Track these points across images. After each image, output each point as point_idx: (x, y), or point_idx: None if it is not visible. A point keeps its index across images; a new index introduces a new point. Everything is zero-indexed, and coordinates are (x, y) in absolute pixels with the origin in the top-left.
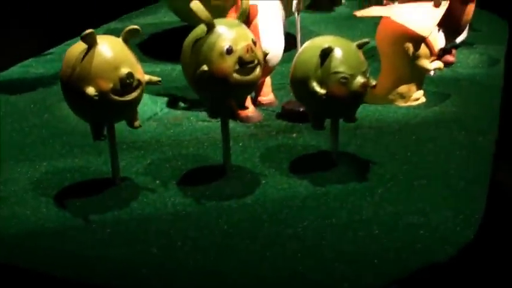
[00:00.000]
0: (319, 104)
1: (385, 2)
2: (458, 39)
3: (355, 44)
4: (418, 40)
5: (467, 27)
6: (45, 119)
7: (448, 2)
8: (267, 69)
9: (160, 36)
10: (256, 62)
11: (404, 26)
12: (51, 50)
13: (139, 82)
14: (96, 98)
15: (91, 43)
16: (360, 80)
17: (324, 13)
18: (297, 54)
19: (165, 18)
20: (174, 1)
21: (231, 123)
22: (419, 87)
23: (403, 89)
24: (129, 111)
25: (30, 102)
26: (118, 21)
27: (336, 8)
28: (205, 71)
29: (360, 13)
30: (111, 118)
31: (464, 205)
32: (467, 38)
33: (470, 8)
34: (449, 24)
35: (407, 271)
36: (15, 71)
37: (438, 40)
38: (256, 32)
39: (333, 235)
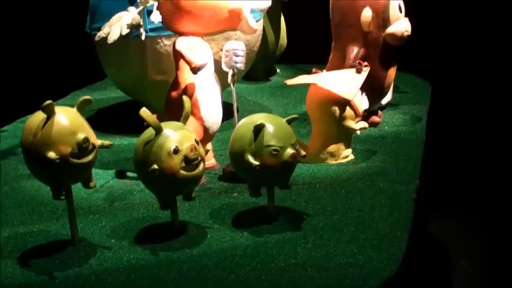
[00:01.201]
0: (255, 174)
1: (314, 70)
2: (384, 101)
3: (285, 119)
4: (343, 103)
5: (391, 89)
6: (4, 191)
7: (369, 68)
8: (208, 137)
9: (108, 111)
10: (199, 159)
11: (330, 91)
12: (4, 128)
13: (94, 146)
14: (58, 161)
15: (50, 113)
16: (289, 151)
17: (260, 83)
18: (234, 131)
19: (111, 94)
20: (119, 78)
21: None
22: (347, 146)
23: (332, 148)
24: (85, 173)
25: None
26: (67, 99)
27: (271, 78)
28: (156, 169)
29: (290, 82)
30: (70, 179)
31: (387, 245)
32: (392, 99)
33: (392, 72)
34: (373, 87)
35: None
36: None
37: (362, 102)
38: (196, 106)
39: (272, 277)
